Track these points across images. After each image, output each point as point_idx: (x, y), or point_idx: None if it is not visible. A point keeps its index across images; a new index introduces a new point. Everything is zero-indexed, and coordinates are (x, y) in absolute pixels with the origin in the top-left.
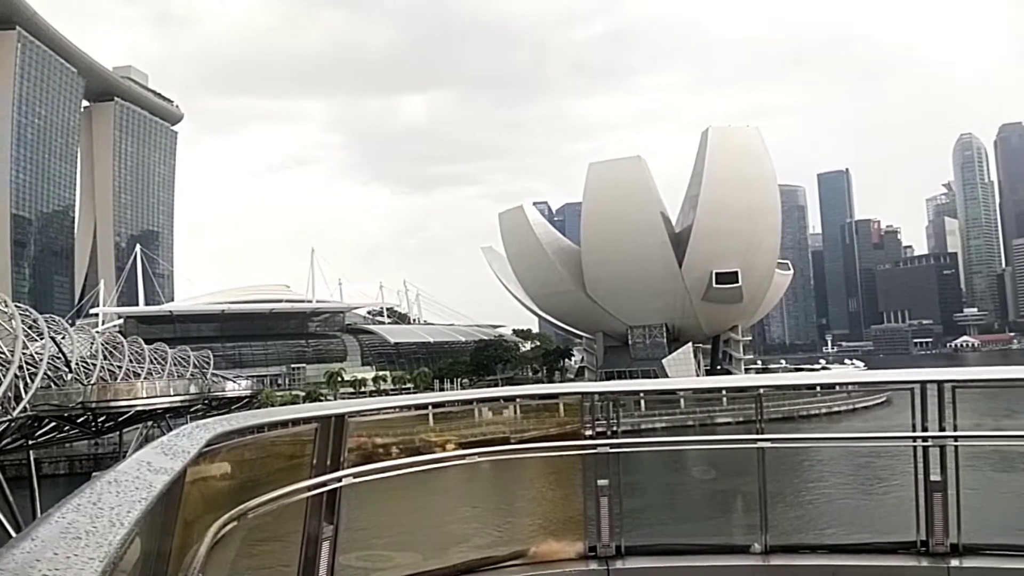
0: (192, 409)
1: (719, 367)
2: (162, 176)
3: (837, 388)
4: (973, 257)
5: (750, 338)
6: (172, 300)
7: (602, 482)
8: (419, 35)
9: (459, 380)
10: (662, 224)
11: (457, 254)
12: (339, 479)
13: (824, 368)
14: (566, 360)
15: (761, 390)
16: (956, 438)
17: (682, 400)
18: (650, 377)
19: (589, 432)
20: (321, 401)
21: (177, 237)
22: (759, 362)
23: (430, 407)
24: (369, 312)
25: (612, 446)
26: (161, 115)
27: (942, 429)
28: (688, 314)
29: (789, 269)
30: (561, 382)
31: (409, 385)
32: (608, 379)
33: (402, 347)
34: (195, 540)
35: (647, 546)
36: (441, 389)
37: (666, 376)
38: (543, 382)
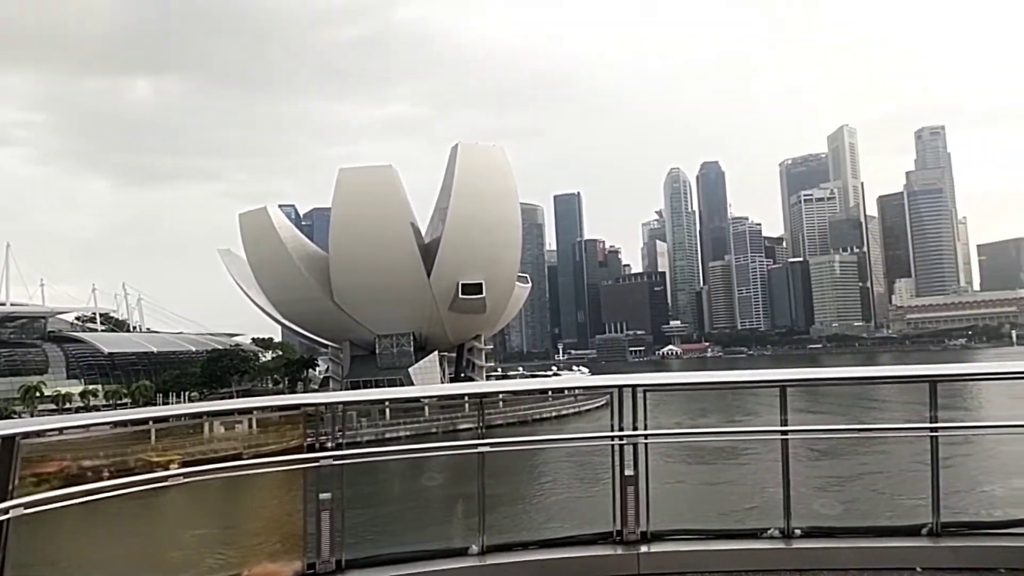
0: None
1: (463, 374)
2: None
3: (565, 392)
4: (678, 276)
5: (492, 346)
6: None
7: (324, 496)
8: (153, 13)
9: (187, 393)
10: (412, 234)
11: (193, 256)
12: (4, 511)
13: (555, 374)
14: (310, 370)
15: (467, 396)
16: (646, 436)
17: (426, 408)
18: (396, 386)
19: (311, 445)
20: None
21: None
22: (499, 369)
23: (129, 423)
24: (78, 318)
25: (336, 458)
26: None
27: (635, 428)
28: (435, 323)
29: (528, 282)
30: (305, 392)
31: (126, 400)
32: (354, 388)
33: (118, 358)
34: None
35: (368, 558)
36: (165, 403)
37: (412, 384)
38: (284, 393)
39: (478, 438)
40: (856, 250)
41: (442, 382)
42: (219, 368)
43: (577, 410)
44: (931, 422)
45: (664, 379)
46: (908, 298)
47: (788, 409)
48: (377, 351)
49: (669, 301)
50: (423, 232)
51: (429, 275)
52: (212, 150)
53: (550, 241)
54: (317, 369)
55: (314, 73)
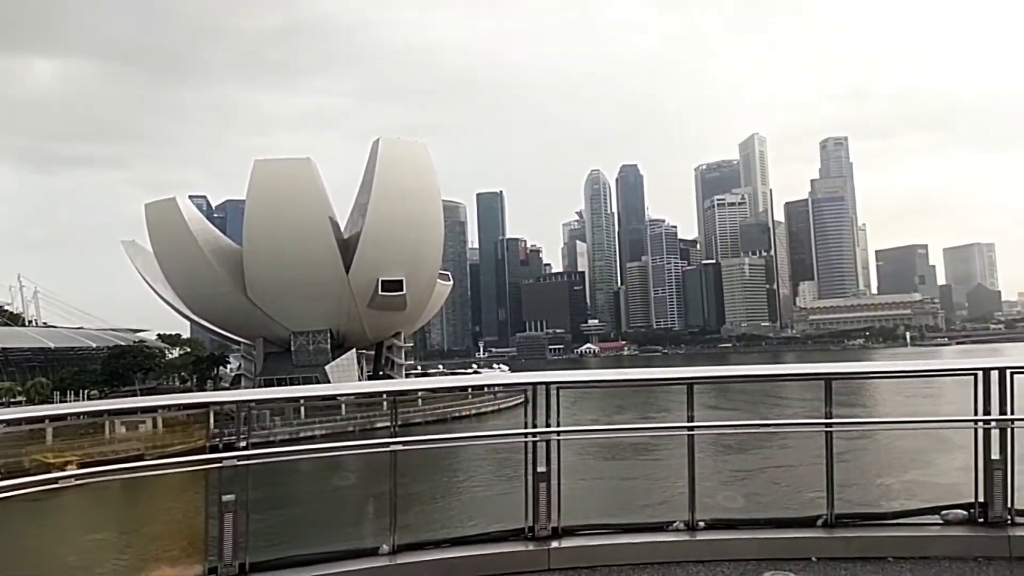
0: None
1: (382, 372)
2: None
3: (486, 390)
4: (597, 276)
5: (412, 344)
6: None
7: (227, 497)
8: None
9: (87, 392)
10: (330, 229)
11: (95, 248)
12: None
13: (475, 372)
14: (221, 368)
15: (387, 395)
16: (559, 433)
17: (343, 406)
18: (312, 384)
19: (214, 445)
20: None
21: None
22: (419, 367)
23: (24, 422)
24: None
25: (240, 459)
26: None
27: (548, 426)
28: (353, 320)
29: (449, 280)
30: (215, 391)
31: (21, 399)
32: (268, 386)
33: (12, 354)
34: None
35: (273, 561)
36: (63, 402)
37: (328, 382)
38: (192, 391)
39: (391, 436)
40: (764, 253)
41: (360, 380)
42: (121, 365)
43: (497, 408)
44: (826, 418)
45: (577, 377)
46: (811, 300)
47: (695, 406)
48: (292, 348)
49: (588, 300)
50: (342, 227)
51: (348, 271)
52: (119, 136)
53: (472, 239)
54: (228, 367)
55: (230, 60)
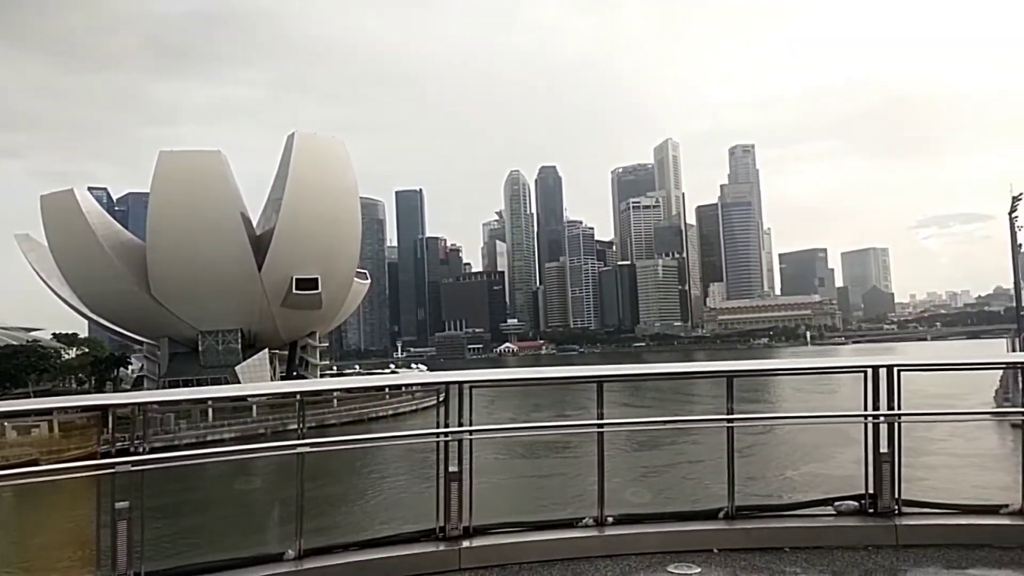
0: None
1: (295, 373)
2: None
3: (404, 391)
4: (516, 276)
5: (327, 344)
6: None
7: (121, 505)
8: None
9: None
10: (242, 225)
11: None
12: None
13: (393, 372)
14: (122, 369)
15: (301, 396)
16: (471, 432)
17: (254, 408)
18: (220, 385)
19: (107, 451)
20: None
21: None
22: (335, 367)
23: None
24: None
25: (135, 464)
26: None
27: (460, 425)
28: (266, 319)
29: (367, 278)
30: (115, 392)
31: None
32: (173, 388)
33: None
34: None
35: (170, 570)
36: None
37: (238, 383)
38: (90, 393)
39: (298, 438)
40: (677, 255)
41: (273, 381)
42: (13, 366)
43: (415, 408)
44: (728, 414)
45: (490, 376)
46: (720, 301)
47: (608, 403)
48: (200, 349)
49: (507, 300)
50: (255, 223)
51: (260, 268)
52: (13, 124)
53: (391, 237)
54: (130, 368)
55: (137, 45)
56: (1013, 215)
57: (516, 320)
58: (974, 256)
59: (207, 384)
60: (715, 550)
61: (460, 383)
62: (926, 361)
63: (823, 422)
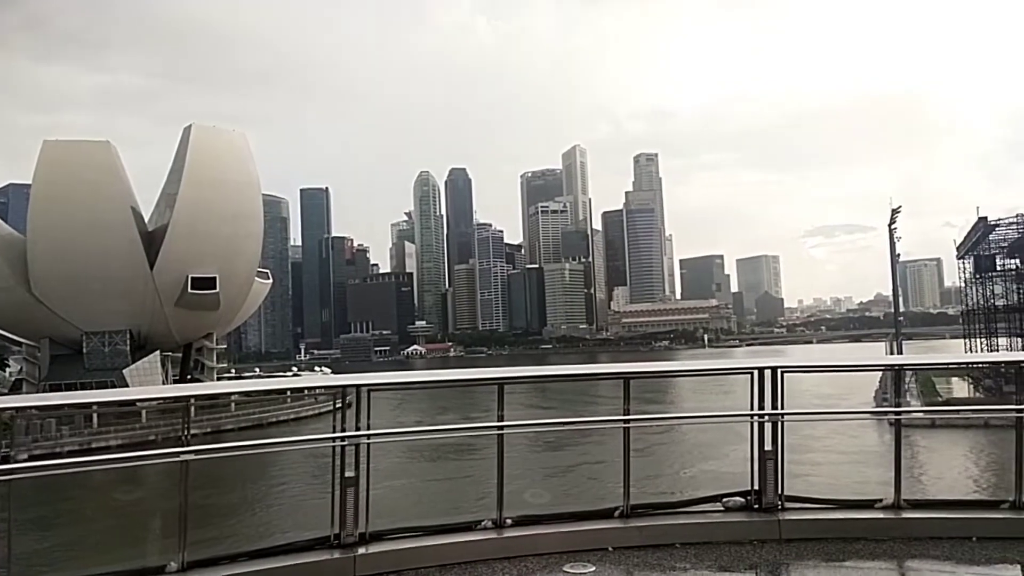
0: None
1: (189, 376)
2: None
3: (306, 393)
4: (425, 277)
5: (225, 346)
6: None
7: None
8: None
9: None
10: (132, 219)
11: None
12: None
13: (295, 375)
14: None
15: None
16: (368, 436)
17: (143, 413)
18: (108, 389)
19: None
20: None
21: None
22: (233, 370)
23: None
24: None
25: (5, 473)
26: None
27: (357, 429)
28: (158, 320)
29: (269, 278)
30: None
31: None
32: (54, 392)
33: None
34: None
35: None
36: None
37: (126, 387)
38: None
39: (183, 445)
40: (583, 259)
41: (165, 384)
42: None
43: (318, 411)
44: (624, 415)
45: (388, 379)
46: (624, 304)
47: (510, 405)
48: (85, 350)
49: (416, 302)
50: (147, 219)
51: (152, 266)
52: None
53: (295, 237)
54: (7, 370)
55: (17, 24)
56: (892, 227)
57: (424, 322)
58: (857, 264)
59: (92, 388)
60: (610, 548)
61: (358, 386)
62: (807, 363)
63: (713, 422)
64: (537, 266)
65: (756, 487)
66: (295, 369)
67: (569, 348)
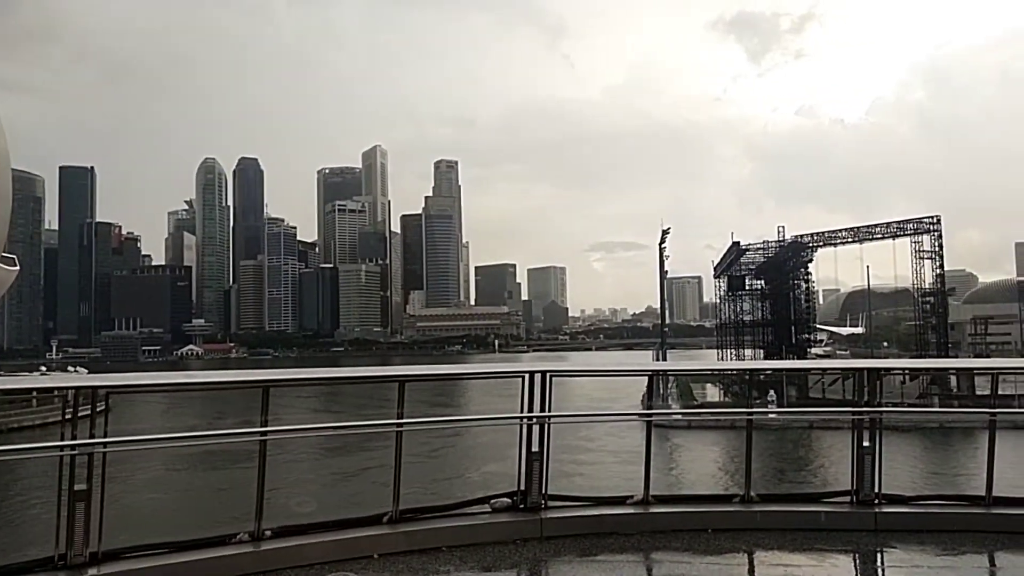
0: None
1: None
2: None
3: (55, 396)
4: (207, 272)
5: None
6: None
7: None
8: None
9: None
10: None
11: None
12: None
13: (43, 375)
14: None
15: None
16: (105, 445)
17: None
18: None
19: None
20: None
21: None
22: None
23: None
24: None
25: None
26: None
27: (92, 436)
28: None
29: (16, 265)
30: None
31: None
32: None
33: None
34: None
35: None
36: None
37: None
38: None
39: None
40: (380, 261)
41: None
42: None
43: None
44: (398, 419)
45: (131, 380)
46: (420, 308)
47: (269, 410)
48: None
49: (194, 298)
50: None
51: None
52: None
53: (51, 219)
54: None
55: None
56: (663, 246)
57: (203, 320)
58: (632, 279)
59: None
60: (375, 555)
61: (94, 388)
62: (574, 367)
63: (487, 424)
64: (332, 266)
65: (523, 487)
66: (43, 369)
67: (362, 351)
